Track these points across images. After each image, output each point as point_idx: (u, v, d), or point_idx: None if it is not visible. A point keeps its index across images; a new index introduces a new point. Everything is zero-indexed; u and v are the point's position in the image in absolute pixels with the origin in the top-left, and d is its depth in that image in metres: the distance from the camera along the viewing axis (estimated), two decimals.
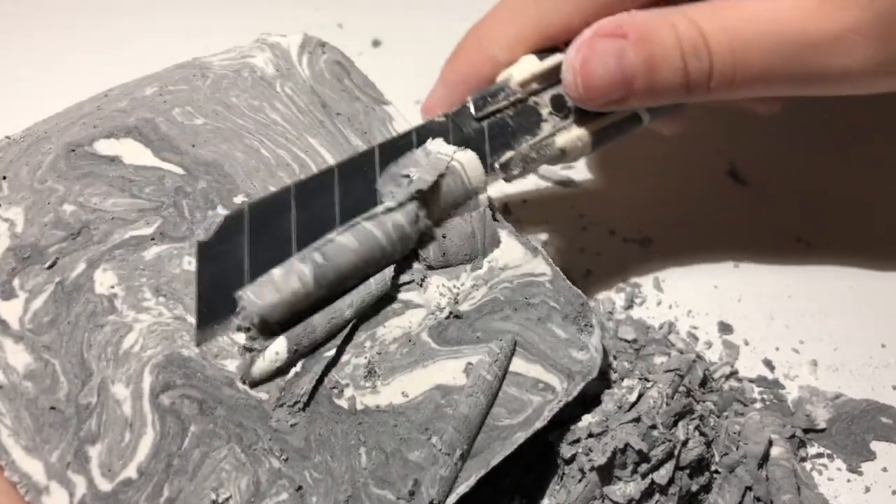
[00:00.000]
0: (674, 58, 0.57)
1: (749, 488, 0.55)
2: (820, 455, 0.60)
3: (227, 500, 0.44)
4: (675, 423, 0.52)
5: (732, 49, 0.57)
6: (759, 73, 0.58)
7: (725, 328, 0.67)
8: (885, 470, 0.60)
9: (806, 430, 0.61)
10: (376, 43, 0.86)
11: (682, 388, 0.54)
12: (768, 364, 0.65)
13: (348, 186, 0.52)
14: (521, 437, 0.49)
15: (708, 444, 0.54)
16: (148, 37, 0.88)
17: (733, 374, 0.64)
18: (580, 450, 0.52)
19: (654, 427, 0.51)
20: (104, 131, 0.53)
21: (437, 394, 0.49)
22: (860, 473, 0.59)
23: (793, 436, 0.59)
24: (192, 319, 0.48)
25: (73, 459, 0.44)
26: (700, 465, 0.54)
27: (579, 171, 0.79)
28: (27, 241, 0.49)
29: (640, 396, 0.53)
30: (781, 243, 0.74)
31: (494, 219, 0.55)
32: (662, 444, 0.51)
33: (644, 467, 0.51)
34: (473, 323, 0.52)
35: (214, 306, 0.48)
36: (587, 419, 0.53)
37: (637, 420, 0.51)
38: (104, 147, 0.52)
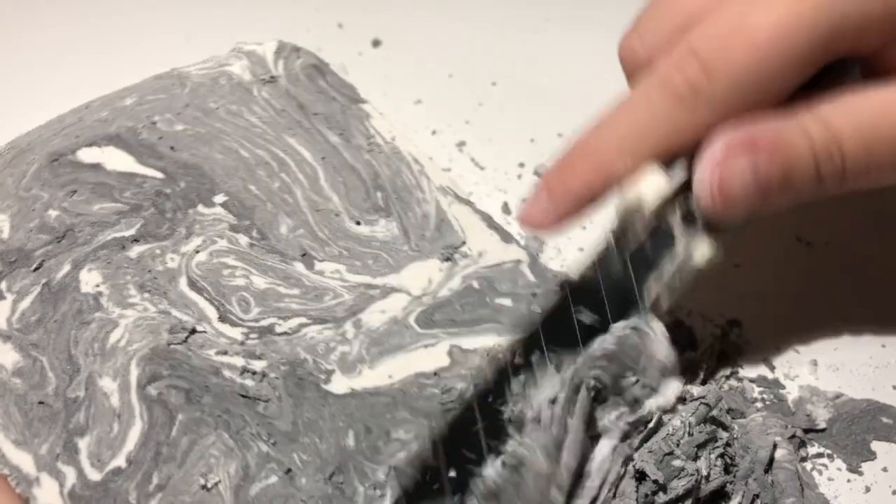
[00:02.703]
0: (808, 165, 0.55)
1: (757, 496, 0.55)
2: (820, 455, 0.59)
3: (216, 484, 0.44)
4: (698, 455, 0.52)
5: (867, 148, 0.55)
6: (890, 167, 0.57)
7: (726, 328, 0.67)
8: (885, 470, 0.58)
9: (806, 430, 0.60)
10: (376, 43, 0.85)
11: (709, 417, 0.54)
12: (768, 364, 0.65)
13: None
14: None
15: (727, 469, 0.54)
16: (147, 38, 0.89)
17: (733, 373, 0.64)
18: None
19: (671, 454, 0.51)
20: (86, 140, 0.54)
21: (422, 375, 0.49)
22: (860, 473, 0.58)
23: (793, 436, 0.59)
24: (176, 313, 0.49)
25: (63, 451, 0.45)
26: (719, 492, 0.53)
27: None
28: (13, 246, 0.50)
29: (659, 423, 0.52)
30: (781, 243, 0.73)
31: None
32: (684, 479, 0.50)
33: (661, 497, 0.50)
34: (457, 309, 0.52)
35: None
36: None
37: (653, 447, 0.51)
38: (86, 155, 0.53)
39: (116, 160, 0.53)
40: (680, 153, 0.55)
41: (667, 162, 0.55)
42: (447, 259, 0.53)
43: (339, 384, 0.48)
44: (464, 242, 0.54)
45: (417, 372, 0.49)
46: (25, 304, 0.48)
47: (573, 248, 0.71)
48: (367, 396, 0.48)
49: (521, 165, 0.77)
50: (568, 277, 0.55)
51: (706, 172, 0.53)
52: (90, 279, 0.49)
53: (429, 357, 0.50)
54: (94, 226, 0.51)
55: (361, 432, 0.47)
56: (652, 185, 0.55)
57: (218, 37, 0.70)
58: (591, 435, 0.50)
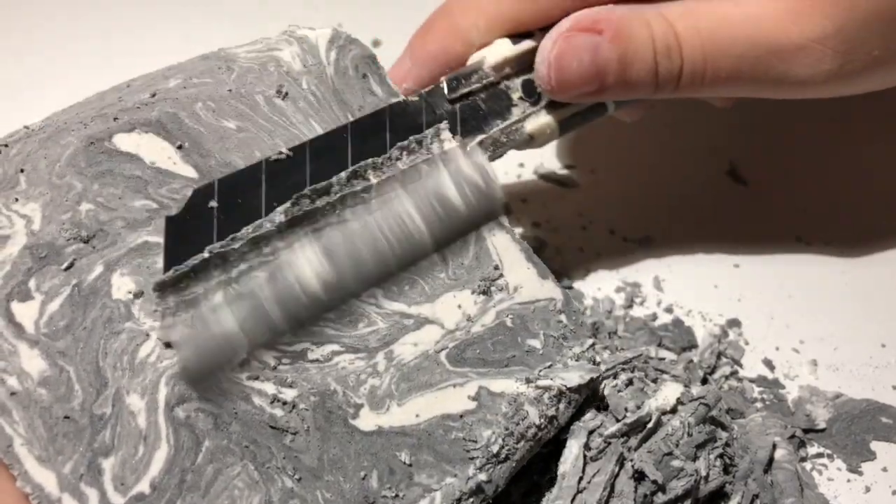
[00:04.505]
0: (646, 57, 0.58)
1: (756, 496, 0.55)
2: (820, 455, 0.61)
3: None
4: (697, 455, 0.52)
5: (704, 52, 0.58)
6: (726, 77, 0.60)
7: (726, 328, 0.67)
8: (885, 470, 0.60)
9: (806, 430, 0.61)
10: (376, 43, 0.85)
11: (708, 418, 0.54)
12: (768, 364, 0.66)
13: (320, 164, 0.51)
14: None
15: (726, 469, 0.54)
16: (148, 32, 0.89)
17: (733, 373, 0.65)
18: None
19: (670, 454, 0.51)
20: (125, 124, 0.51)
21: (449, 417, 0.49)
22: (860, 473, 0.60)
23: (793, 436, 0.60)
24: None
25: (87, 472, 0.43)
26: (718, 492, 0.54)
27: (579, 170, 0.79)
28: (44, 240, 0.47)
29: (658, 423, 0.52)
30: (781, 243, 0.74)
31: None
32: (683, 479, 0.51)
33: (660, 497, 0.50)
34: (489, 347, 0.51)
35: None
36: (589, 419, 0.52)
37: (653, 447, 0.51)
38: (124, 142, 0.50)
39: (155, 151, 0.50)
40: (533, 27, 0.60)
41: (520, 34, 0.60)
42: (483, 292, 0.52)
43: (367, 420, 0.48)
44: (501, 275, 0.53)
45: (444, 413, 0.49)
46: (54, 306, 0.46)
47: (573, 249, 0.71)
48: (393, 436, 0.48)
49: (521, 165, 0.77)
50: (394, 97, 0.57)
51: (548, 44, 0.58)
52: (122, 285, 0.47)
53: (456, 398, 0.49)
54: (128, 226, 0.49)
55: (385, 474, 0.47)
56: (497, 48, 0.59)
57: (214, 35, 0.70)
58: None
